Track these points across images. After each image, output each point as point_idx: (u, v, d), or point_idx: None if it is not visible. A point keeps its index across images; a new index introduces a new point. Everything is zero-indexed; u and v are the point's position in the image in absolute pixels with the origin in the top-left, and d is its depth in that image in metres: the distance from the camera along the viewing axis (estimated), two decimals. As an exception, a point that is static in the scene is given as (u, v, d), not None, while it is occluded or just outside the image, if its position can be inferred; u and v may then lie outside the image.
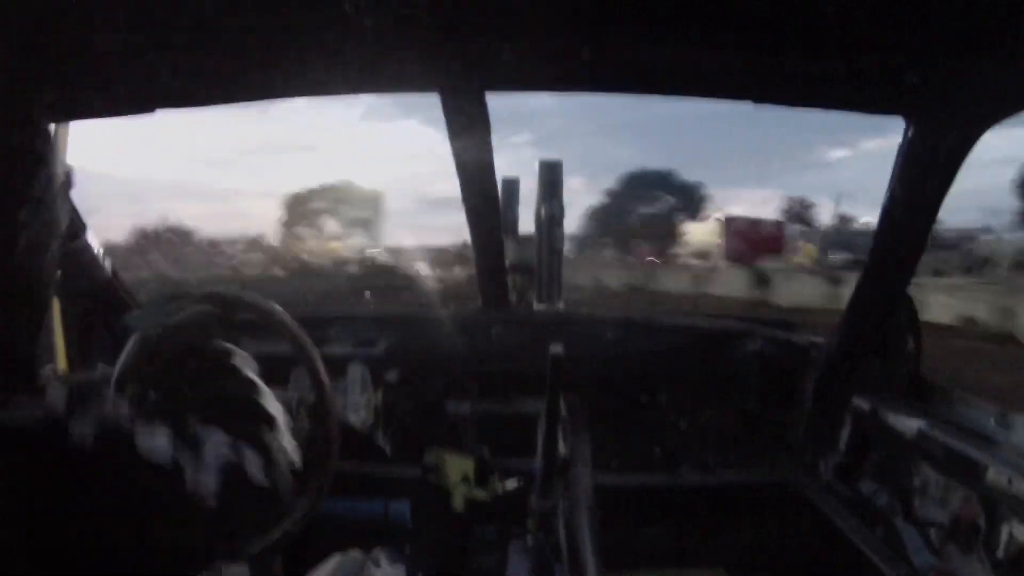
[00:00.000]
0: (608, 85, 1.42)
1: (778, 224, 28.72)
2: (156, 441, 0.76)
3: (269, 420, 0.94)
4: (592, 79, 1.38)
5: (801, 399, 1.92)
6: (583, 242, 32.46)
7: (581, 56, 1.24)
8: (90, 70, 1.20)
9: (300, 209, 36.45)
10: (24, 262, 1.16)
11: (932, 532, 1.42)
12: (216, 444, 0.83)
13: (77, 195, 1.46)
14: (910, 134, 1.40)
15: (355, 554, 1.25)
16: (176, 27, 1.07)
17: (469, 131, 1.48)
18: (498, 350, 2.00)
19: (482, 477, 1.70)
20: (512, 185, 2.19)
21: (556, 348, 1.87)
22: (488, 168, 1.62)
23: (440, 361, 2.00)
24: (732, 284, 17.37)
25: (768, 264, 20.13)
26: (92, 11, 1.03)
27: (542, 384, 1.48)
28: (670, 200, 36.98)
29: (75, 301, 1.73)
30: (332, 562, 1.21)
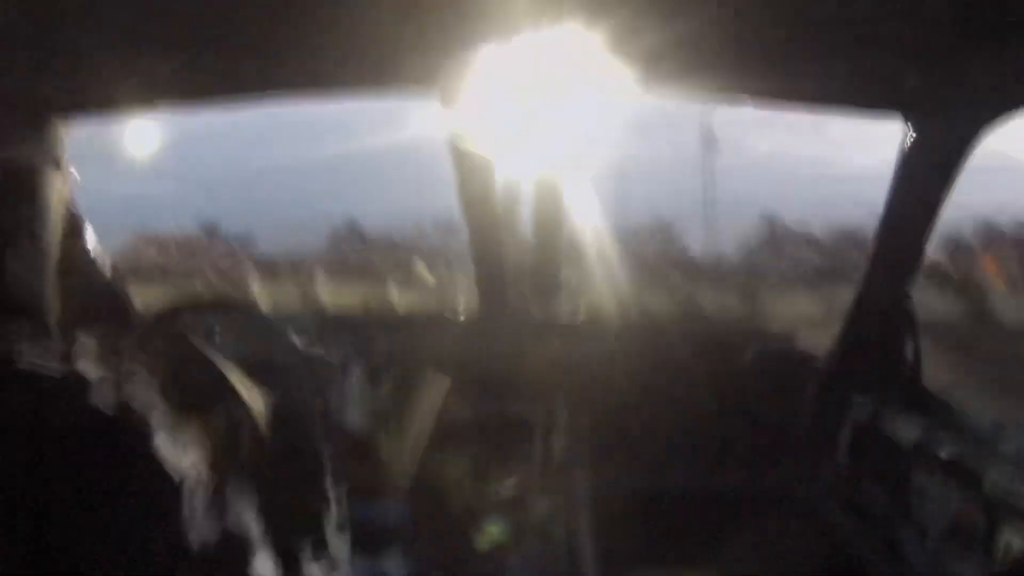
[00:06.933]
0: (607, 87, 1.43)
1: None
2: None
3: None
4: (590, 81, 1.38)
5: (801, 404, 1.92)
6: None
7: (577, 59, 1.25)
8: (86, 65, 1.19)
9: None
10: (18, 266, 1.14)
11: (931, 536, 1.41)
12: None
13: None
14: (910, 133, 1.40)
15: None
16: (173, 24, 1.08)
17: (468, 132, 1.48)
18: (498, 354, 2.00)
19: (481, 480, 1.71)
20: (516, 190, 2.20)
21: (555, 353, 1.88)
22: (487, 171, 1.62)
23: (440, 365, 2.00)
24: None
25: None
26: (89, 6, 1.03)
27: (541, 388, 1.48)
28: None
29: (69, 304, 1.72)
30: None
